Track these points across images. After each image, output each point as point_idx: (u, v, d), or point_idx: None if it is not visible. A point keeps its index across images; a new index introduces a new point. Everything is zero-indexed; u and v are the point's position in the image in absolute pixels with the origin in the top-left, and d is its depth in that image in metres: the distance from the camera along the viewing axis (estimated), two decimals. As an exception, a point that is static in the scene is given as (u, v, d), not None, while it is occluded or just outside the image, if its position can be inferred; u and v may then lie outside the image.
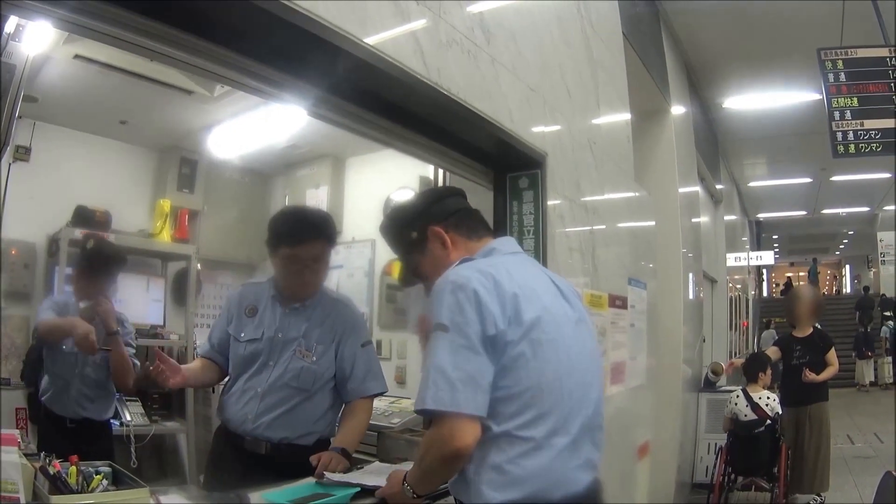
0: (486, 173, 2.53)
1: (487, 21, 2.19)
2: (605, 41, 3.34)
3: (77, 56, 2.93)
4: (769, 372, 4.70)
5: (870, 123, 3.61)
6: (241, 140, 3.87)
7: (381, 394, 2.12)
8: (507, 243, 1.54)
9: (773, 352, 5.01)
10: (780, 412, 4.49)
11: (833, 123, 3.65)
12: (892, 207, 13.80)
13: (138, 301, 3.90)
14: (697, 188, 6.29)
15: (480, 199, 2.42)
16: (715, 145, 8.40)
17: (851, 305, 16.84)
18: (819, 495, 4.64)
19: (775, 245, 21.35)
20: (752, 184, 11.88)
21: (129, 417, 3.49)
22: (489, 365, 1.25)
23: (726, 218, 9.40)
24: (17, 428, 2.91)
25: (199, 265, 4.12)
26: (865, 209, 15.37)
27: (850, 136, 3.63)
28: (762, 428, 4.39)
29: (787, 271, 27.77)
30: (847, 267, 28.60)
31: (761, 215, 15.66)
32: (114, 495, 1.36)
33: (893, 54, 3.65)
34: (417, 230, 1.50)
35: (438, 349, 1.25)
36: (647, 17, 4.66)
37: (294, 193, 4.41)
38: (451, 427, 1.22)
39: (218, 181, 4.37)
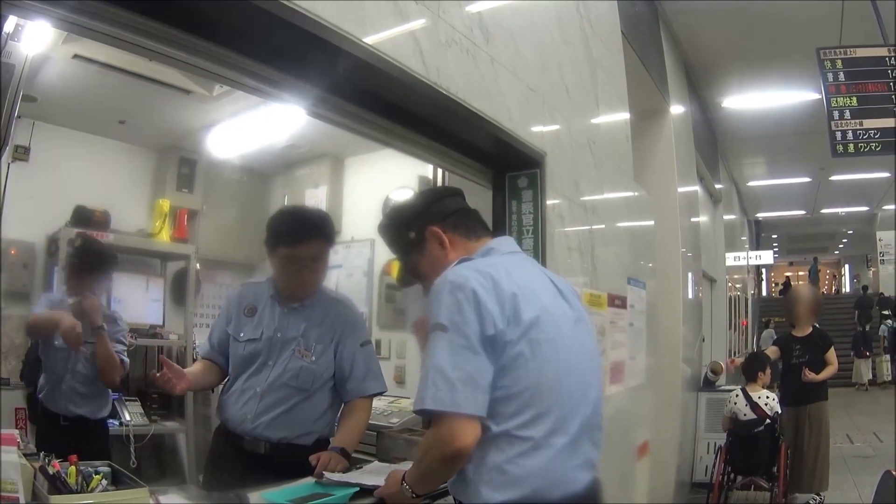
0: (486, 173, 2.53)
1: (486, 21, 2.19)
2: (604, 41, 3.34)
3: (76, 56, 2.93)
4: (768, 371, 4.70)
5: (869, 123, 3.61)
6: (240, 140, 3.86)
7: (381, 393, 2.13)
8: (505, 243, 1.54)
9: (772, 351, 5.02)
10: (780, 411, 4.49)
11: (832, 123, 3.65)
12: (891, 207, 13.82)
13: (137, 301, 3.90)
14: (697, 188, 6.29)
15: (479, 198, 2.42)
16: (714, 145, 8.39)
17: (850, 305, 16.87)
18: (818, 495, 4.64)
19: (774, 244, 21.34)
20: (751, 183, 11.88)
21: (128, 417, 3.49)
22: (488, 365, 1.25)
23: (725, 217, 9.39)
24: (16, 428, 2.91)
25: (198, 265, 4.12)
26: (864, 209, 15.39)
27: (850, 135, 3.63)
28: (761, 427, 4.39)
29: (787, 271, 27.80)
30: (846, 266, 28.62)
31: (760, 215, 15.66)
32: (113, 495, 1.35)
33: (892, 54, 3.65)
34: (416, 230, 1.50)
35: (437, 349, 1.25)
36: (646, 16, 4.65)
37: (293, 193, 4.41)
38: (451, 427, 1.22)
39: (217, 181, 4.36)
